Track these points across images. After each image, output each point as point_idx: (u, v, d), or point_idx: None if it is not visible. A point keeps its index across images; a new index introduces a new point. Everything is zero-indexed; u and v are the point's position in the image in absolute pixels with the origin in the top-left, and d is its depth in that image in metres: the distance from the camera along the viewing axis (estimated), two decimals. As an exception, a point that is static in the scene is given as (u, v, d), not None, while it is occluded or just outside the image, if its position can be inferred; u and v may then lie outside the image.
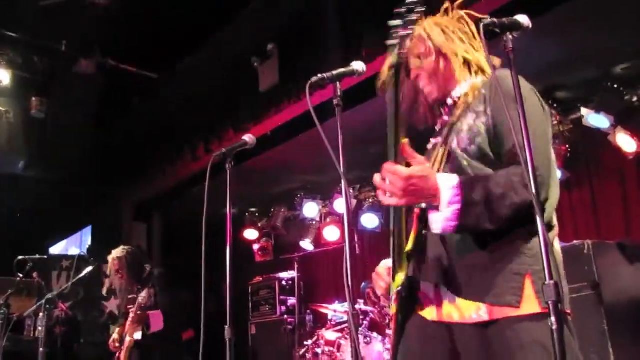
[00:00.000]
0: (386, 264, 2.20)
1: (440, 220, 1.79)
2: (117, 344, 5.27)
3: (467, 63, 2.10)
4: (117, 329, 5.45)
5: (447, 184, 1.78)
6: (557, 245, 1.97)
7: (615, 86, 5.25)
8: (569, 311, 1.85)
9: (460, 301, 1.92)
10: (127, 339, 5.25)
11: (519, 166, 1.75)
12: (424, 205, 1.93)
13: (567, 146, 5.68)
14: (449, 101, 2.14)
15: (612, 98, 5.26)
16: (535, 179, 1.60)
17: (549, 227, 1.89)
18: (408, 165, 1.83)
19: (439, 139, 2.09)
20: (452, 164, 1.95)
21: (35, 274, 6.40)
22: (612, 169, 5.72)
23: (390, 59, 2.03)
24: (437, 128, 2.20)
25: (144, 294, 5.14)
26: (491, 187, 1.77)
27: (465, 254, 1.88)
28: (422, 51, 2.14)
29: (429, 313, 2.01)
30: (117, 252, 5.50)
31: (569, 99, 5.62)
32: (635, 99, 5.28)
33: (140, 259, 5.68)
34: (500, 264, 1.83)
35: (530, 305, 1.78)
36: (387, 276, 2.16)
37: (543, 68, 5.06)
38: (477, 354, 1.88)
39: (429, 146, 2.17)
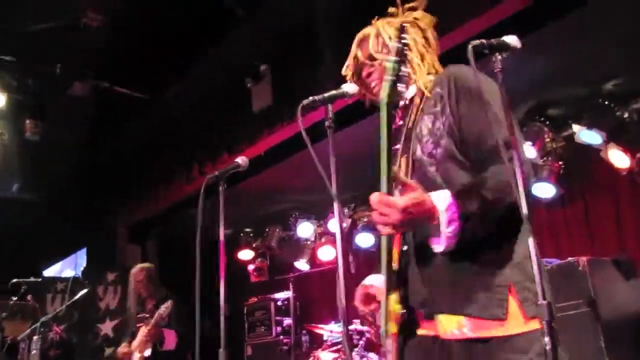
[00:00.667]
0: (365, 287, 2.19)
1: (443, 242, 1.77)
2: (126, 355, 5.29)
3: (422, 61, 2.08)
4: (124, 344, 5.44)
5: (444, 204, 1.75)
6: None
7: (607, 102, 5.27)
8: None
9: (441, 317, 1.90)
10: (137, 355, 5.24)
11: (499, 165, 1.76)
12: None
13: (561, 162, 5.70)
14: (400, 103, 2.10)
15: (604, 114, 5.29)
16: (526, 178, 1.61)
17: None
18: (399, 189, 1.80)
19: (397, 146, 2.05)
20: (417, 172, 1.93)
21: (29, 297, 6.37)
22: (605, 185, 5.74)
23: (384, 92, 1.91)
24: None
25: (162, 310, 5.16)
26: (483, 194, 1.75)
27: (446, 268, 1.86)
28: (376, 49, 2.12)
29: (423, 330, 2.00)
30: (142, 265, 5.72)
31: (561, 115, 5.64)
32: (626, 114, 5.29)
33: (157, 278, 5.71)
34: (482, 276, 1.82)
35: (515, 318, 1.76)
36: (363, 305, 2.16)
37: (534, 85, 5.09)
38: None
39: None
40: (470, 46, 1.67)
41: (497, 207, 1.75)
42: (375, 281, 2.17)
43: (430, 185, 1.86)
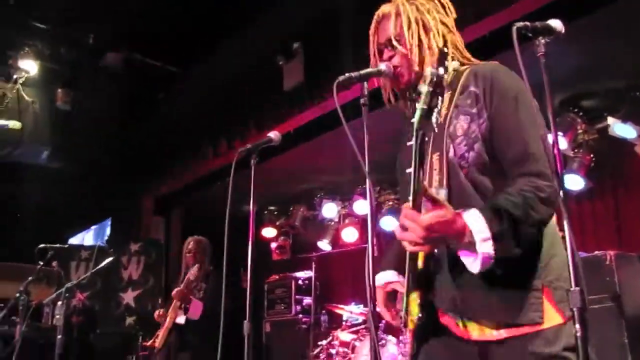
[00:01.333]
0: (382, 287, 2.19)
1: (479, 261, 1.70)
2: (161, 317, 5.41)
3: (445, 46, 2.01)
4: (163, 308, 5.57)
5: (476, 224, 1.68)
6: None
7: (643, 96, 5.19)
8: None
9: (474, 323, 1.87)
10: (168, 319, 5.32)
11: (527, 178, 1.73)
12: None
13: (592, 155, 5.62)
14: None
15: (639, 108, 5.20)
16: (560, 183, 1.57)
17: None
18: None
19: (427, 141, 1.98)
20: (453, 177, 1.87)
21: (54, 263, 6.46)
22: (637, 180, 5.65)
23: (416, 119, 1.74)
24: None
25: (194, 270, 5.22)
26: (512, 211, 1.68)
27: (480, 275, 1.77)
28: (398, 30, 2.07)
29: (449, 329, 1.96)
30: (196, 236, 5.74)
31: (595, 107, 5.56)
32: (662, 110, 5.21)
33: (210, 253, 5.75)
34: (515, 280, 1.78)
35: (552, 318, 1.74)
36: (388, 314, 2.19)
37: (570, 75, 5.01)
38: None
39: (408, 143, 2.04)
40: (514, 28, 1.64)
41: (527, 225, 1.70)
42: (386, 278, 2.18)
43: (462, 194, 1.84)
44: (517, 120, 1.81)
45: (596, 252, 4.52)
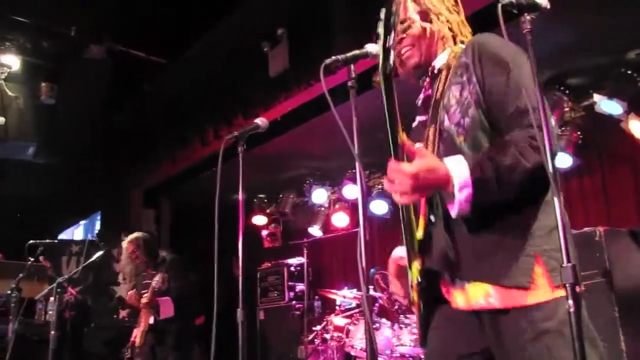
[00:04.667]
0: (395, 260, 2.20)
1: (457, 205, 1.75)
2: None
3: (451, 29, 2.09)
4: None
5: (457, 169, 1.73)
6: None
7: (629, 72, 5.19)
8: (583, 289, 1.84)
9: (468, 286, 1.89)
10: (142, 321, 5.32)
11: (523, 130, 1.74)
12: None
13: (579, 133, 5.65)
14: (429, 72, 2.11)
15: (625, 84, 5.21)
16: (550, 146, 1.57)
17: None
18: (410, 159, 1.77)
19: (425, 117, 2.05)
20: (445, 142, 1.91)
21: (41, 258, 6.44)
22: (624, 156, 5.69)
23: (380, 56, 1.92)
24: (419, 103, 2.16)
25: (157, 278, 5.23)
26: (500, 159, 1.72)
27: (474, 237, 1.84)
28: (408, 14, 2.11)
29: (450, 299, 2.00)
30: (131, 236, 5.67)
31: (581, 85, 5.57)
32: (648, 85, 5.23)
33: (154, 243, 5.75)
34: (509, 245, 1.80)
35: (541, 287, 1.75)
36: (400, 286, 2.18)
37: (555, 53, 5.01)
38: (497, 339, 1.85)
39: (414, 124, 2.14)
40: (499, 5, 1.63)
41: (515, 172, 1.72)
42: (401, 253, 2.17)
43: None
44: (506, 81, 1.83)
45: (585, 228, 4.54)
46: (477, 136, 1.87)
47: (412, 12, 2.11)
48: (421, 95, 2.15)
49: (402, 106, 1.87)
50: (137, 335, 5.42)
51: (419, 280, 1.97)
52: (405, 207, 1.95)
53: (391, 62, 1.84)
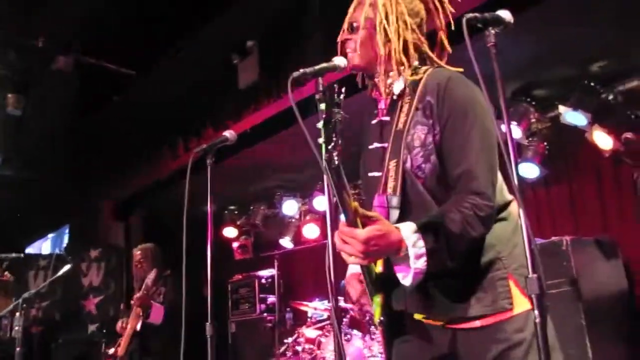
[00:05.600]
0: (352, 273, 2.20)
1: (411, 276, 1.74)
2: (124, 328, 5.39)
3: (405, 48, 2.03)
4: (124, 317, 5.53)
5: (411, 238, 1.72)
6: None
7: (592, 84, 5.29)
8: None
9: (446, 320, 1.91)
10: (129, 326, 5.28)
11: (467, 196, 1.76)
12: None
13: (545, 144, 5.73)
14: (387, 98, 2.08)
15: (589, 96, 5.30)
16: (516, 173, 1.60)
17: (505, 205, 1.91)
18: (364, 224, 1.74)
19: (384, 145, 2.03)
20: (409, 186, 1.90)
21: (6, 273, 6.34)
22: (589, 167, 5.79)
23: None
24: (372, 121, 2.13)
25: (151, 275, 5.19)
26: (449, 227, 1.73)
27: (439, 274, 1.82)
28: (359, 19, 2.08)
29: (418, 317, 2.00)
30: (142, 245, 5.75)
31: (547, 96, 5.66)
32: (611, 96, 5.32)
33: (161, 256, 5.72)
34: (481, 275, 1.83)
35: (521, 304, 1.79)
36: (357, 284, 2.17)
37: (521, 65, 5.09)
38: (469, 350, 1.87)
39: (371, 146, 2.10)
40: (464, 19, 1.66)
41: (463, 240, 1.74)
42: (357, 268, 2.16)
43: (420, 202, 1.87)
44: (464, 138, 1.83)
45: (553, 237, 4.61)
46: (435, 185, 1.88)
47: (365, 16, 2.06)
48: (376, 118, 2.12)
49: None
50: (121, 342, 5.37)
51: (381, 318, 1.97)
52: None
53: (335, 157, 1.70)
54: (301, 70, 1.93)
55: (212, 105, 6.76)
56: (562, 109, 5.39)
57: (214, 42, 6.40)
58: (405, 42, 2.02)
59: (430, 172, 1.87)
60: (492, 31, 1.69)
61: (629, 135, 5.18)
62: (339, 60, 2.02)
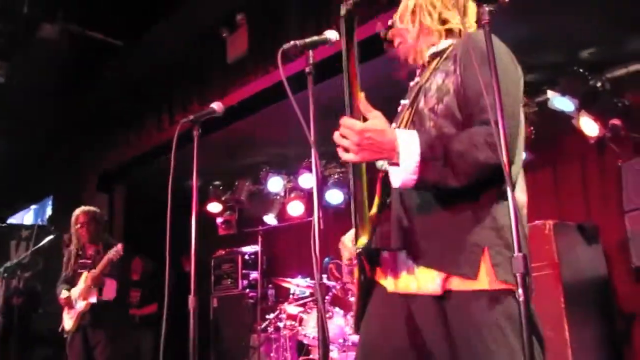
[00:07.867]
0: (351, 234, 2.19)
1: (400, 174, 1.76)
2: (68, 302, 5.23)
3: (444, 25, 2.09)
4: (63, 290, 5.32)
5: (406, 139, 1.75)
6: (525, 219, 1.97)
7: (581, 70, 5.30)
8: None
9: (418, 270, 1.90)
10: (81, 302, 5.14)
11: (485, 126, 1.74)
12: (384, 166, 1.92)
13: (532, 128, 5.74)
14: (420, 62, 2.12)
15: (577, 82, 5.32)
16: (506, 141, 1.59)
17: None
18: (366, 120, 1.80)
19: (407, 101, 2.07)
20: (416, 124, 1.93)
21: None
22: (574, 152, 5.82)
23: (342, 10, 1.95)
24: (411, 84, 2.18)
25: (111, 254, 5.07)
26: (452, 143, 1.74)
27: (426, 220, 1.86)
28: (401, 11, 2.13)
29: (389, 284, 2.00)
30: (85, 207, 5.52)
31: (536, 81, 5.65)
32: (599, 83, 5.34)
33: (104, 222, 5.61)
34: (460, 233, 1.81)
35: (485, 278, 1.76)
36: (351, 246, 2.16)
37: (510, 49, 5.07)
38: (434, 328, 1.86)
39: (399, 109, 2.14)
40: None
41: (463, 159, 1.73)
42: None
43: None
44: (482, 79, 1.80)
45: (536, 221, 4.65)
46: (445, 124, 1.87)
47: (405, 6, 2.12)
48: (412, 82, 2.16)
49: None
50: (72, 316, 5.23)
51: (359, 251, 1.96)
52: (359, 187, 1.94)
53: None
54: (291, 43, 1.92)
55: (200, 78, 6.69)
56: (550, 94, 5.40)
57: (203, 15, 6.33)
58: (440, 17, 2.09)
59: (441, 113, 1.88)
60: (487, 8, 1.67)
61: (615, 121, 5.22)
62: (330, 34, 2.01)
